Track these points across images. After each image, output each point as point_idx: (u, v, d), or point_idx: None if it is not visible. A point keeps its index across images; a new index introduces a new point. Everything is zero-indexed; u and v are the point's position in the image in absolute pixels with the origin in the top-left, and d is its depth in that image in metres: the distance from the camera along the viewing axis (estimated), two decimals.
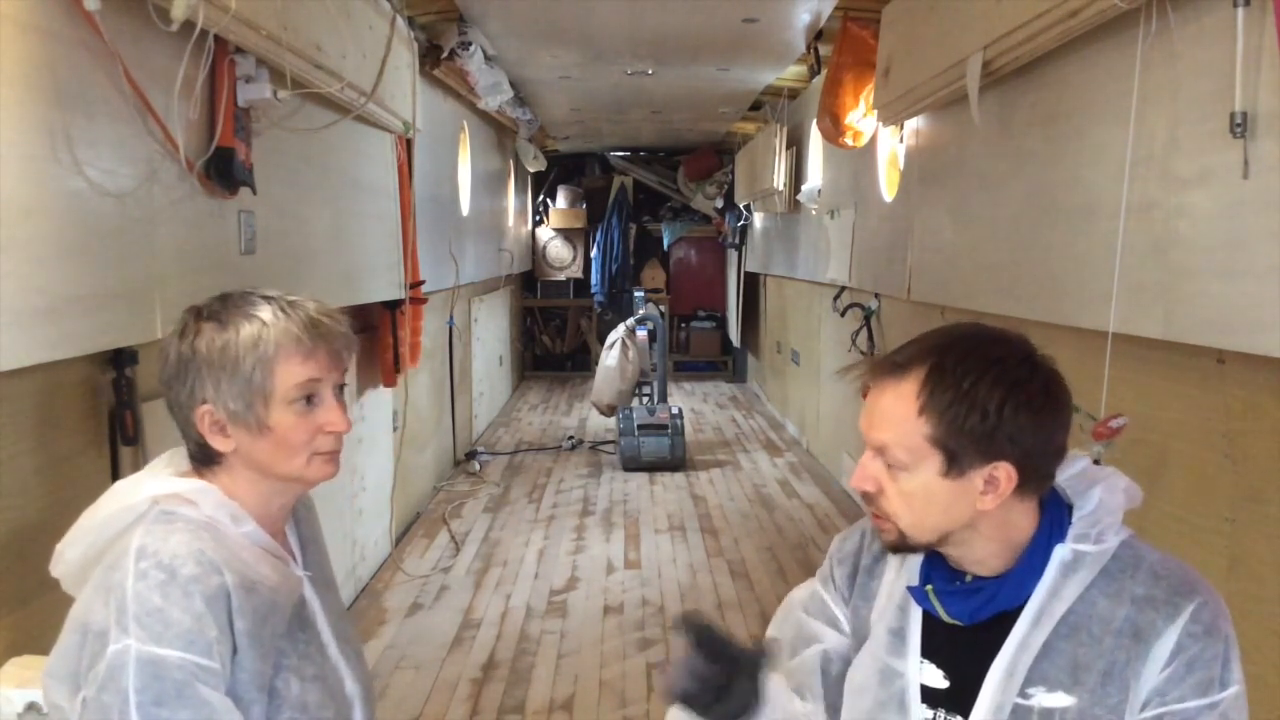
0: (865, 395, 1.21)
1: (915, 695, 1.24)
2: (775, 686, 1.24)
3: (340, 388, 1.34)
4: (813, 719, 1.31)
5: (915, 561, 1.28)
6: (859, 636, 1.32)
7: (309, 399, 1.29)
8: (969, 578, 1.22)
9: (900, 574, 1.30)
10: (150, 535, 1.22)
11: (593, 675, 3.78)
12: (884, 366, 1.19)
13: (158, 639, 1.15)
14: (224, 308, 1.30)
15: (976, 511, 1.16)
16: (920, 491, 1.16)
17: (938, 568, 1.24)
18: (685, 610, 1.28)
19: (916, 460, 1.15)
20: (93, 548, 1.26)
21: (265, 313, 1.28)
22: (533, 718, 3.46)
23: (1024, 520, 1.20)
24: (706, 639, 1.19)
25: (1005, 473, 1.14)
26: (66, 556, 1.29)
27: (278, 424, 1.27)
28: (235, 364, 1.26)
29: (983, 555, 1.20)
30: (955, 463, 1.14)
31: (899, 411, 1.16)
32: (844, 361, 5.87)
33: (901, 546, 1.21)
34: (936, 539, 1.19)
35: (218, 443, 1.29)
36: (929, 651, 1.25)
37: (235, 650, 1.21)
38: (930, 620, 1.25)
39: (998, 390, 1.13)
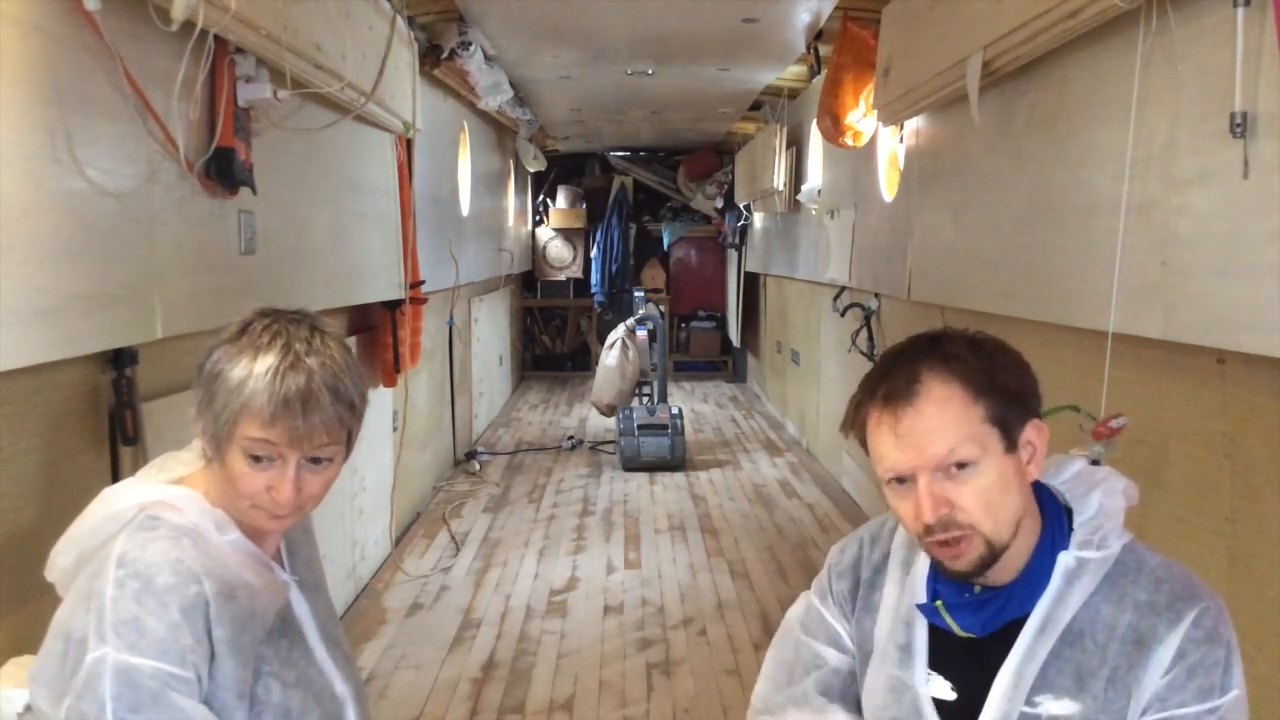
0: (877, 431, 1.18)
1: (930, 709, 1.24)
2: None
3: (316, 460, 1.28)
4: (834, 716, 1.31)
5: (920, 577, 1.27)
6: (863, 650, 1.32)
7: (261, 458, 1.26)
8: (977, 589, 1.21)
9: (904, 589, 1.29)
10: (131, 543, 1.23)
11: (593, 675, 3.77)
12: (897, 394, 1.16)
13: (132, 648, 1.16)
14: (254, 333, 1.27)
15: (1029, 488, 1.20)
16: (996, 481, 1.16)
17: (944, 582, 1.24)
18: None
19: (984, 448, 1.15)
20: (81, 555, 1.27)
21: (263, 363, 1.24)
22: (533, 718, 3.46)
23: (1035, 518, 1.21)
24: None
25: (1035, 429, 1.20)
26: (58, 564, 1.31)
27: (229, 465, 1.27)
28: (214, 395, 1.27)
29: (1014, 554, 1.19)
30: (1009, 434, 1.17)
31: (950, 411, 1.15)
32: (844, 361, 5.92)
33: (988, 560, 1.17)
34: (1014, 533, 1.17)
35: (206, 447, 1.31)
36: (936, 664, 1.25)
37: (214, 657, 1.21)
38: (936, 632, 1.25)
39: (1007, 353, 1.21)
